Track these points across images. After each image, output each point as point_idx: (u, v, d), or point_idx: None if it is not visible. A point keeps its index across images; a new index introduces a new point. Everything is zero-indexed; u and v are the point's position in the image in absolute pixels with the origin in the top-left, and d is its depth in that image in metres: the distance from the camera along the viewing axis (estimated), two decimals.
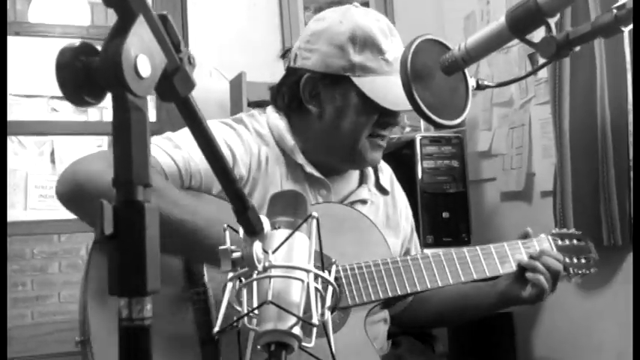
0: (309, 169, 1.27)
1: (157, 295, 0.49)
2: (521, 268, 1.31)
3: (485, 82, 1.08)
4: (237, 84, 2.44)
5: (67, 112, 4.10)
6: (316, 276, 0.74)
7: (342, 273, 1.18)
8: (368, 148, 1.27)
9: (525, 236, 1.38)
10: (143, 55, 0.51)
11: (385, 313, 1.36)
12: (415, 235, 1.49)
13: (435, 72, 1.04)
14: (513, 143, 2.75)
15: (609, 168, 2.20)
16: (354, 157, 1.28)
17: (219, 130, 1.22)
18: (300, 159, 1.27)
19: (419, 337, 1.50)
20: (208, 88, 2.63)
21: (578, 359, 2.47)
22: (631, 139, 2.11)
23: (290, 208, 0.80)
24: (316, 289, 0.72)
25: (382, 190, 1.40)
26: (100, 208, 0.47)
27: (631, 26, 0.82)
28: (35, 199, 4.07)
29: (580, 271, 1.43)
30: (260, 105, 2.46)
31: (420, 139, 2.39)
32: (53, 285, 4.06)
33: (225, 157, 0.64)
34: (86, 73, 0.52)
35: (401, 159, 2.39)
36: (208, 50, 2.74)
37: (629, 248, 2.22)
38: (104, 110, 4.25)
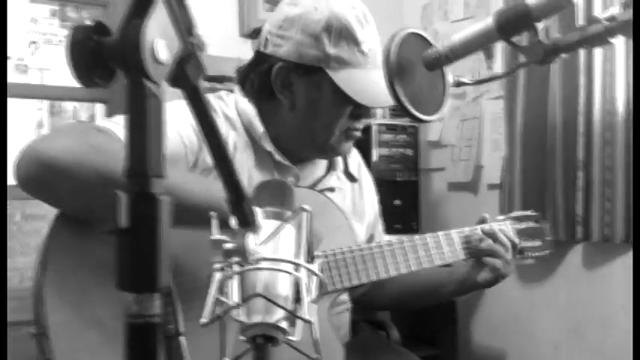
0: (278, 157, 1.24)
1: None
2: (477, 254, 1.34)
3: (463, 80, 1.09)
4: None
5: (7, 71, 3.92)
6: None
7: None
8: (341, 140, 1.25)
9: (482, 222, 1.40)
10: (161, 40, 0.49)
11: (347, 301, 1.36)
12: (379, 220, 1.49)
13: (416, 67, 1.04)
14: (463, 135, 2.79)
15: (557, 166, 2.27)
16: (325, 149, 1.26)
17: (187, 113, 1.16)
18: (269, 146, 1.24)
19: (374, 323, 1.51)
20: None
21: (516, 347, 2.55)
22: (580, 139, 2.17)
23: (277, 198, 0.78)
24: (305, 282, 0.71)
25: (350, 177, 1.39)
26: (115, 199, 0.45)
27: (619, 37, 0.83)
28: None
29: (535, 254, 1.47)
30: (218, 80, 2.43)
31: (377, 126, 2.40)
32: None
33: (228, 149, 0.62)
34: (99, 54, 0.49)
35: (356, 144, 2.40)
36: None
37: (570, 244, 2.31)
38: (45, 72, 4.09)
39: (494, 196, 2.58)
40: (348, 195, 1.38)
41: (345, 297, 1.34)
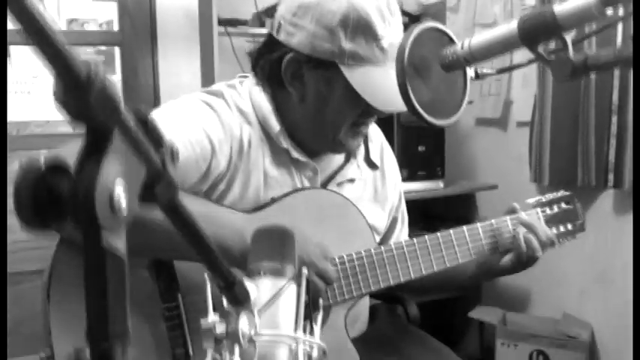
0: (296, 154, 1.18)
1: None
2: (505, 249, 1.28)
3: (485, 70, 1.01)
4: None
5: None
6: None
7: None
8: (349, 137, 1.17)
9: (512, 211, 1.33)
10: (120, 185, 0.43)
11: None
12: (403, 202, 1.42)
13: (433, 64, 0.96)
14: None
15: (590, 108, 2.16)
16: (334, 145, 1.19)
17: (198, 114, 1.08)
18: (286, 143, 1.17)
19: (391, 299, 1.48)
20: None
21: (542, 291, 2.54)
22: (616, 82, 2.05)
23: (276, 250, 0.73)
24: (304, 351, 0.68)
25: (372, 165, 1.32)
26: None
27: None
28: None
29: (567, 239, 1.41)
30: (232, 23, 2.33)
31: None
32: None
33: (214, 248, 0.57)
34: (51, 196, 0.44)
35: None
36: None
37: (601, 189, 2.23)
38: None
39: (523, 133, 2.48)
40: (369, 182, 1.31)
41: None
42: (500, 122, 2.66)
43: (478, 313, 2.50)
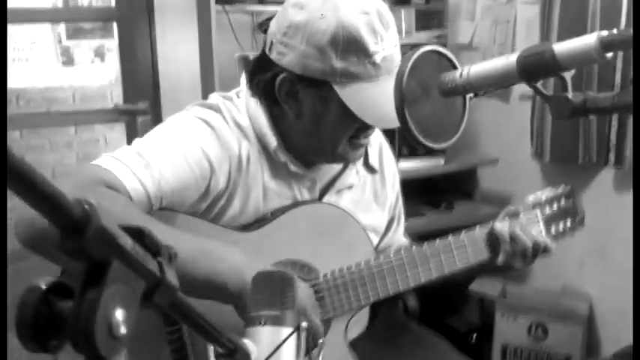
0: (294, 167, 1.17)
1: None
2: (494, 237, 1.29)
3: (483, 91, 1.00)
4: None
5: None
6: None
7: (324, 285, 1.15)
8: (349, 150, 1.16)
9: (515, 215, 1.32)
10: (120, 310, 0.44)
11: None
12: (400, 202, 1.42)
13: (431, 87, 0.95)
14: (496, 39, 2.63)
15: (593, 85, 2.14)
16: (334, 157, 1.19)
17: (196, 133, 1.08)
18: (284, 157, 1.16)
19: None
20: None
21: (541, 262, 2.53)
22: (618, 63, 2.03)
23: (277, 297, 0.74)
24: None
25: (371, 169, 1.32)
26: None
27: None
28: None
29: (567, 235, 1.43)
30: (229, 1, 2.28)
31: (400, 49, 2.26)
32: None
33: (213, 325, 0.58)
34: (53, 318, 0.45)
35: None
36: None
37: (602, 166, 2.23)
38: None
39: (525, 107, 2.47)
40: (368, 186, 1.31)
41: None
42: (502, 95, 2.64)
43: (478, 286, 2.53)
